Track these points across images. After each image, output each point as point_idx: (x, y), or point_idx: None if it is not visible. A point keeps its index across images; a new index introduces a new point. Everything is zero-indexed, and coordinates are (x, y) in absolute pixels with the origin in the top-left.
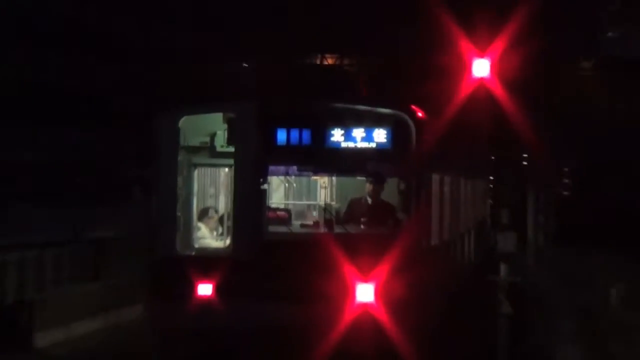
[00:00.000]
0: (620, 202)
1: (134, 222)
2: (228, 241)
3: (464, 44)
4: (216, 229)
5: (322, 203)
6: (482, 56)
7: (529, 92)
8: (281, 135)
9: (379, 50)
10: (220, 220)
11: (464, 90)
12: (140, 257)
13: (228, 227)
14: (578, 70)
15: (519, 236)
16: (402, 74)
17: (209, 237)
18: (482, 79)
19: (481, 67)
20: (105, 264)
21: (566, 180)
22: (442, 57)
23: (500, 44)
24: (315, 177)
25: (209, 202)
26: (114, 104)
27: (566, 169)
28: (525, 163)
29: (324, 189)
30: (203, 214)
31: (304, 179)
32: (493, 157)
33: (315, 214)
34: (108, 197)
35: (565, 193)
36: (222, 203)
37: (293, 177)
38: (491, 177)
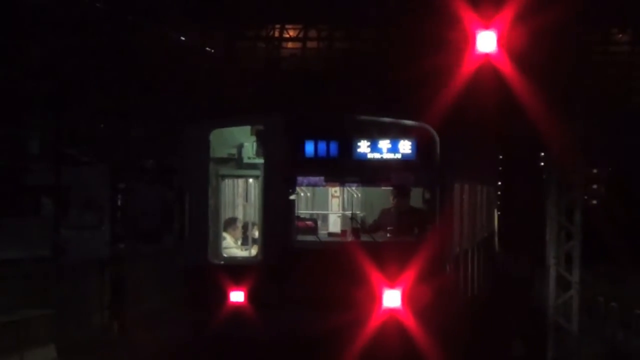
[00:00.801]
0: None
1: (42, 241)
2: (253, 250)
3: (467, 15)
4: (240, 239)
5: (332, 212)
6: (487, 28)
7: (547, 73)
8: (309, 148)
9: (357, 20)
10: (244, 229)
11: (467, 68)
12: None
13: (252, 237)
14: (611, 44)
15: (537, 257)
16: (392, 49)
17: (233, 247)
18: (487, 55)
19: (486, 41)
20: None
21: (595, 186)
22: (440, 29)
23: (508, 13)
24: (326, 186)
25: (235, 212)
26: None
27: (595, 171)
28: (542, 164)
29: (336, 198)
30: (229, 224)
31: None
32: (501, 157)
33: (323, 223)
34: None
35: (594, 202)
36: (247, 213)
37: (304, 187)
38: (499, 183)
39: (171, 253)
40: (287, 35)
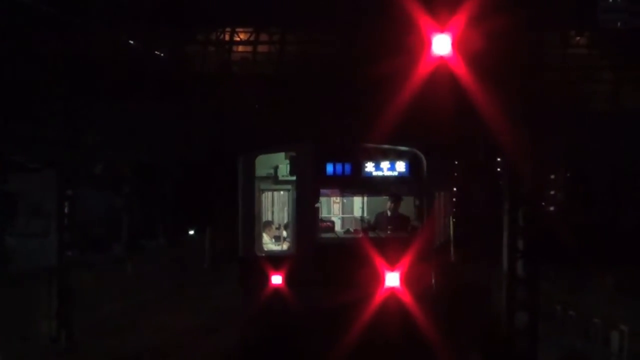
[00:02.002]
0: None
1: None
2: (285, 245)
3: (423, 18)
4: (273, 237)
5: (334, 215)
6: (442, 31)
7: (501, 76)
8: (329, 168)
9: (310, 24)
10: (277, 230)
11: (423, 70)
12: None
13: (282, 236)
14: (569, 47)
15: (493, 263)
16: (346, 53)
17: (269, 243)
18: (442, 57)
19: (442, 44)
20: None
21: (552, 192)
22: (396, 33)
23: (463, 16)
24: (343, 197)
25: (268, 217)
26: None
27: (552, 177)
28: (499, 170)
29: (337, 204)
30: (266, 226)
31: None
32: (457, 162)
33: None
34: None
35: (552, 208)
36: (279, 217)
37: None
38: (455, 189)
39: (120, 261)
40: (238, 39)
